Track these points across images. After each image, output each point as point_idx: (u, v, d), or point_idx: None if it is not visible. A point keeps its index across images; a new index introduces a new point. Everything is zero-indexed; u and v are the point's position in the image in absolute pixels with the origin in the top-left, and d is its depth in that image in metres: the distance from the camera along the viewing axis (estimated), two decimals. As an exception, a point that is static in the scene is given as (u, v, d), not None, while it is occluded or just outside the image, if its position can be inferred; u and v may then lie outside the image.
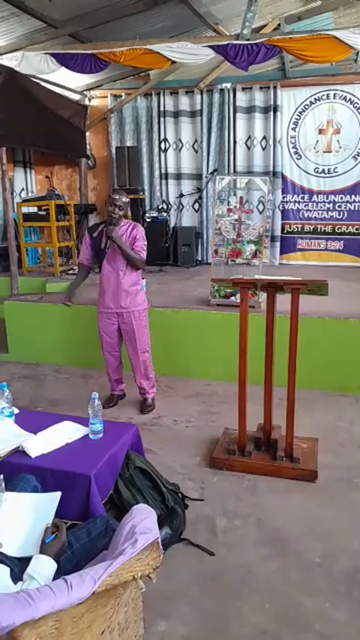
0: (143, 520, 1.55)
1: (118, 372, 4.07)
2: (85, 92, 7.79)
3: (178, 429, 3.66)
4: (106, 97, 7.82)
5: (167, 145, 7.77)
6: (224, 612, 2.05)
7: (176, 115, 7.64)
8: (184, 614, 2.03)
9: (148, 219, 7.37)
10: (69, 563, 1.64)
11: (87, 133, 7.87)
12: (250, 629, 1.97)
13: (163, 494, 2.51)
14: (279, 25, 6.18)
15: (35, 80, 6.30)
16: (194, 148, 7.73)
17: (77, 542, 1.72)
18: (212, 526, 2.57)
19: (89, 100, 7.91)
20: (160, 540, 1.53)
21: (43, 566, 1.54)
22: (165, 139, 7.74)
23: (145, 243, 3.74)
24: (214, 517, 2.63)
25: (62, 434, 2.44)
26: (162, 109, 7.62)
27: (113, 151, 7.79)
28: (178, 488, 2.71)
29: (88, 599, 1.30)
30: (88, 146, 7.95)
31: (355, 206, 7.31)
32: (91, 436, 2.43)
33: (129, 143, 7.75)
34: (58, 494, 1.92)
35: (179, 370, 4.64)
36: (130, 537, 1.48)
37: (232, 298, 4.67)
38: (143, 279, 3.93)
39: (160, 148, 7.76)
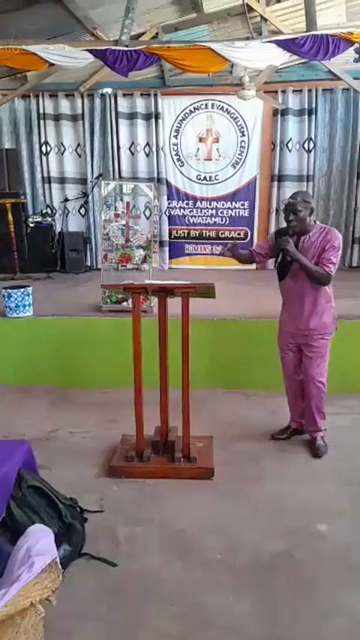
0: (39, 541, 1.47)
1: (300, 399, 3.40)
2: None
3: (74, 442, 3.54)
4: (-20, 96, 7.41)
5: (49, 148, 7.56)
6: (130, 622, 2.01)
7: (57, 118, 7.47)
8: (88, 631, 1.96)
9: (31, 224, 7.08)
10: None
11: None
12: (154, 634, 1.95)
13: (59, 510, 2.40)
14: (157, 33, 6.33)
15: None
16: (77, 152, 7.61)
17: (-33, 574, 1.58)
18: (114, 536, 2.51)
19: None
20: (58, 560, 1.46)
21: None
22: (46, 142, 7.53)
23: (337, 253, 3.06)
24: (115, 527, 2.58)
25: None
26: (42, 111, 7.42)
27: (-10, 153, 7.39)
28: (76, 502, 2.61)
29: (-19, 636, 1.20)
30: None
31: (235, 212, 7.67)
32: (-23, 457, 2.26)
33: (7, 145, 7.42)
34: None
35: (74, 380, 4.48)
36: (26, 561, 1.40)
37: (125, 303, 4.65)
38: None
39: (41, 151, 7.55)
